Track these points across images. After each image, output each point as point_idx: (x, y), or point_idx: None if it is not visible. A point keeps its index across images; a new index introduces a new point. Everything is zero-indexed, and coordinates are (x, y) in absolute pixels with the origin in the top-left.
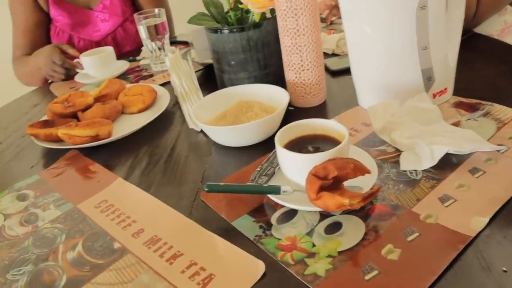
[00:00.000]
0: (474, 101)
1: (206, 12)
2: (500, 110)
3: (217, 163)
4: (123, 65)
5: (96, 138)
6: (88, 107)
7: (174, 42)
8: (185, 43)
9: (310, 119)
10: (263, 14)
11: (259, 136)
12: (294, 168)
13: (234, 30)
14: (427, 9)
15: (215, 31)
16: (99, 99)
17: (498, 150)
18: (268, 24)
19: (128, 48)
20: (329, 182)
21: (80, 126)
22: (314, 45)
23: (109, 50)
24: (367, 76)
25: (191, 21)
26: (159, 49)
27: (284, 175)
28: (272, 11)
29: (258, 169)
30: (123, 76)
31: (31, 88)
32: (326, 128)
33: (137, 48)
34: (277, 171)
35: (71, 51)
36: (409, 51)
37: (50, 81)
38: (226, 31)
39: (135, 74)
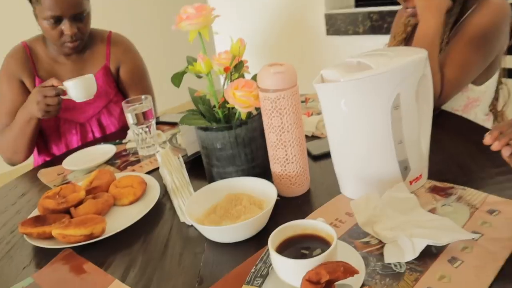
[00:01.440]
0: (447, 185)
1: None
2: (471, 194)
3: (211, 262)
4: (110, 150)
5: (90, 236)
6: (80, 201)
7: (158, 123)
8: (169, 124)
9: (300, 220)
10: (249, 112)
11: (250, 232)
12: (288, 272)
13: (223, 128)
14: (400, 108)
15: (205, 129)
16: (90, 191)
17: (473, 238)
18: (253, 121)
19: (112, 129)
20: (322, 286)
21: (74, 224)
22: (298, 140)
23: (90, 76)
24: (348, 168)
25: (183, 121)
26: (146, 133)
27: (278, 276)
28: (257, 108)
29: (253, 270)
30: (110, 161)
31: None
32: (315, 228)
33: (122, 129)
34: (271, 271)
35: (55, 81)
36: (386, 145)
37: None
38: (215, 129)
39: (123, 160)
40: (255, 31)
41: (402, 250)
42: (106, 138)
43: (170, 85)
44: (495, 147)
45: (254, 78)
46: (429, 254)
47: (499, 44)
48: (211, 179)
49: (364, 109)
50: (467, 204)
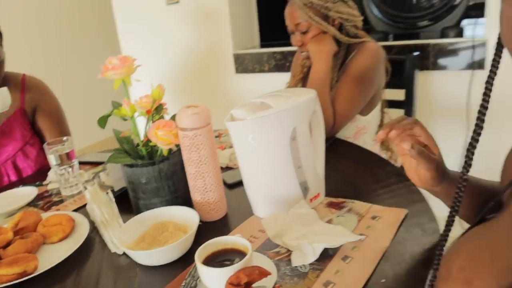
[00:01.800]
0: (340, 200)
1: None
2: (359, 205)
3: (144, 284)
4: (32, 192)
5: (23, 274)
6: (8, 243)
7: (81, 163)
8: (91, 163)
9: (221, 237)
10: (170, 149)
11: (178, 254)
12: (213, 280)
13: (147, 164)
14: (297, 139)
15: (131, 166)
16: (17, 232)
17: (360, 239)
18: (174, 157)
19: (29, 172)
20: (242, 287)
21: (6, 264)
22: (214, 171)
23: (4, 88)
24: (258, 192)
25: (110, 160)
26: (69, 173)
27: (206, 286)
28: (177, 145)
29: (183, 284)
30: (32, 202)
31: None
32: (234, 242)
33: (39, 171)
34: (198, 283)
35: None
36: (288, 170)
37: None
38: (140, 166)
39: (45, 200)
40: (170, 73)
41: (305, 255)
42: (23, 181)
43: (83, 125)
44: (380, 136)
45: (173, 118)
46: (327, 255)
47: (377, 80)
48: (138, 211)
49: (268, 142)
50: (355, 214)
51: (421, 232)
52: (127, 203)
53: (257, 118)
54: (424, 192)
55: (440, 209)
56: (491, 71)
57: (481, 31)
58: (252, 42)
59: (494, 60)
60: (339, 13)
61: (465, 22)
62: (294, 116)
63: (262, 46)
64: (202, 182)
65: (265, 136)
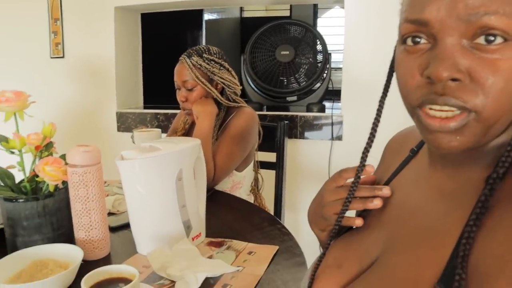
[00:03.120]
0: (220, 239)
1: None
2: (237, 243)
3: None
4: None
5: None
6: None
7: None
8: None
9: (108, 266)
10: (56, 185)
11: None
12: None
13: (31, 199)
14: (182, 180)
15: (11, 200)
16: None
17: (237, 270)
18: (60, 193)
19: None
20: None
21: None
22: (100, 208)
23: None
24: (144, 229)
25: None
26: None
27: None
28: (63, 182)
29: None
30: None
31: None
32: (119, 271)
33: None
34: None
35: None
36: (173, 208)
37: None
38: (23, 201)
39: None
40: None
41: (189, 284)
42: None
43: None
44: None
45: (63, 157)
46: (208, 284)
47: (252, 140)
48: (14, 249)
49: (155, 181)
50: (234, 250)
51: (290, 264)
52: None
53: (147, 158)
54: (293, 233)
55: (308, 245)
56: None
57: (338, 111)
58: (136, 103)
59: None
60: (222, 79)
61: (326, 104)
62: (180, 159)
63: (146, 107)
64: (88, 219)
65: (153, 175)
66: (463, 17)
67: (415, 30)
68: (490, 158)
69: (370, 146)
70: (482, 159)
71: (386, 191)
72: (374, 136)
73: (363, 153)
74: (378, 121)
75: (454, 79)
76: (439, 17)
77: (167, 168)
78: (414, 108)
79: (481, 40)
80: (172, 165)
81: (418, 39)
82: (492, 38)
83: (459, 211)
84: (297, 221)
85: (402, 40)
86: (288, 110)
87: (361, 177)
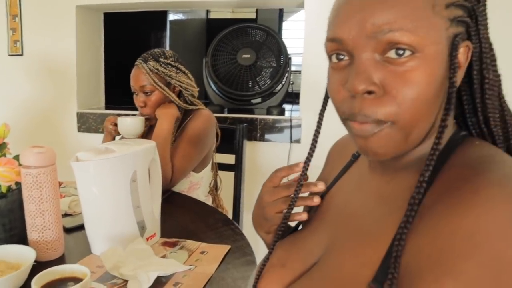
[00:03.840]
0: (174, 240)
1: None
2: (190, 243)
3: None
4: None
5: None
6: None
7: None
8: None
9: (59, 265)
10: (9, 186)
11: None
12: None
13: None
14: (137, 181)
15: None
16: None
17: (189, 269)
18: (13, 195)
19: None
20: None
21: None
22: (54, 209)
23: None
24: (98, 229)
25: None
26: None
27: None
28: (17, 183)
29: None
30: None
31: None
32: (71, 270)
33: None
34: None
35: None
36: (127, 209)
37: None
38: None
39: None
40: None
41: (141, 282)
42: None
43: None
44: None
45: (16, 158)
46: (160, 282)
47: (209, 142)
48: None
49: (110, 182)
50: (187, 250)
51: (241, 263)
52: None
53: (102, 159)
54: (252, 233)
55: (257, 245)
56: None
57: (298, 114)
58: (98, 103)
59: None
60: (180, 82)
61: (286, 107)
62: (135, 160)
63: (107, 108)
64: (42, 220)
65: (108, 176)
66: (371, 35)
67: (336, 48)
68: (421, 165)
69: (311, 156)
70: (415, 165)
71: (320, 186)
72: (315, 147)
73: (305, 162)
74: (318, 132)
75: (369, 92)
76: (351, 36)
77: (121, 170)
78: (343, 120)
79: (392, 54)
80: (126, 167)
81: (341, 56)
82: (401, 51)
83: (395, 214)
84: None
85: (329, 57)
86: (249, 113)
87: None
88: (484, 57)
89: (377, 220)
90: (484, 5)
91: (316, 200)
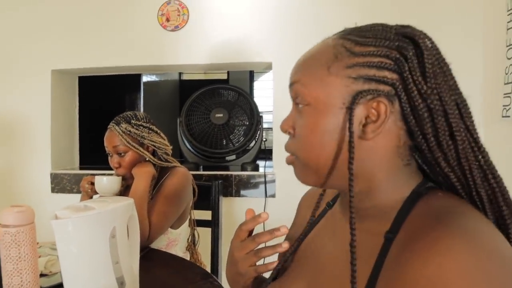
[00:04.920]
0: None
1: None
2: None
3: None
4: None
5: None
6: None
7: None
8: None
9: None
10: None
11: None
12: None
13: None
14: (116, 237)
15: None
16: None
17: None
18: None
19: None
20: None
21: None
22: (33, 268)
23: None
24: (77, 286)
25: None
26: None
27: None
28: None
29: None
30: None
31: None
32: None
33: None
34: None
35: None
36: (106, 265)
37: None
38: None
39: None
40: None
41: None
42: None
43: None
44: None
45: None
46: None
47: (186, 198)
48: None
49: (90, 238)
50: None
51: None
52: None
53: (81, 217)
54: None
55: None
56: None
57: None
58: (72, 163)
59: None
60: (152, 142)
61: (260, 163)
62: (114, 217)
63: (81, 168)
64: (19, 279)
65: (87, 233)
66: (290, 86)
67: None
68: (387, 215)
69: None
70: (380, 215)
71: (283, 229)
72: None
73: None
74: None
75: (287, 132)
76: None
77: (100, 226)
78: None
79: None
80: (105, 223)
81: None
82: (298, 100)
83: (364, 262)
84: None
85: None
86: (224, 170)
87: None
88: (418, 109)
89: (349, 267)
90: (416, 60)
91: (285, 246)
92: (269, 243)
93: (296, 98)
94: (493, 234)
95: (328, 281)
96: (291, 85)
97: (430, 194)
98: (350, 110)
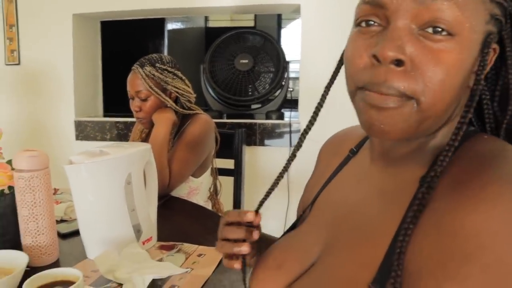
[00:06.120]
0: (171, 243)
1: None
2: (187, 247)
3: None
4: None
5: None
6: None
7: None
8: None
9: (50, 269)
10: (2, 190)
11: None
12: None
13: None
14: (132, 184)
15: None
16: None
17: (186, 272)
18: (6, 199)
19: None
20: None
21: None
22: (48, 214)
23: None
24: (92, 233)
25: None
26: None
27: None
28: (10, 187)
29: None
30: None
31: None
32: (64, 274)
33: None
34: None
35: None
36: (122, 212)
37: None
38: None
39: None
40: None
41: (135, 285)
42: None
43: None
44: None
45: (9, 163)
46: (156, 285)
47: (208, 146)
48: None
49: (104, 184)
50: (184, 253)
51: None
52: None
53: (95, 162)
54: None
55: None
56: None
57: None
58: (96, 111)
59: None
60: (176, 88)
61: (285, 113)
62: (129, 163)
63: (105, 115)
64: (35, 225)
65: (102, 179)
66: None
67: (370, 13)
68: (428, 159)
69: (310, 129)
70: (420, 159)
71: (249, 216)
72: (315, 120)
73: (302, 134)
74: (321, 106)
75: (397, 62)
76: None
77: (115, 172)
78: (356, 90)
79: (429, 29)
80: (120, 169)
81: (371, 22)
82: (439, 29)
83: (397, 210)
84: None
85: (357, 23)
86: (249, 118)
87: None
88: None
89: (378, 216)
90: None
91: (245, 249)
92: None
93: (434, 20)
94: None
95: (351, 232)
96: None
97: (475, 137)
98: (482, 53)
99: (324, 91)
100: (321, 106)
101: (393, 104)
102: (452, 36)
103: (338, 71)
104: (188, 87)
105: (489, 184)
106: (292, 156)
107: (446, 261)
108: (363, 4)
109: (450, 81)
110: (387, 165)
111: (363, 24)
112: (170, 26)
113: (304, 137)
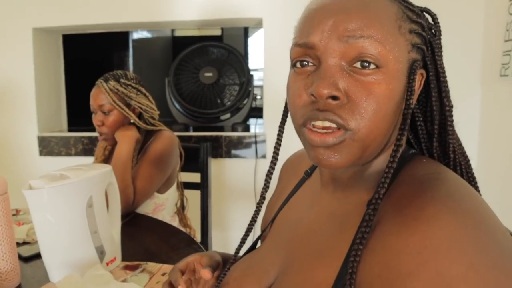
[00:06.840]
0: (135, 263)
1: None
2: (152, 266)
3: None
4: None
5: None
6: None
7: None
8: None
9: None
10: None
11: None
12: None
13: None
14: (93, 206)
15: None
16: None
17: None
18: None
19: None
20: None
21: None
22: (8, 240)
23: None
24: (54, 257)
25: None
26: None
27: None
28: None
29: None
30: None
31: None
32: None
33: None
34: None
35: None
36: (84, 235)
37: None
38: None
39: None
40: None
41: None
42: None
43: None
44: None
45: None
46: None
47: (172, 162)
48: None
49: (65, 208)
50: (148, 272)
51: None
52: None
53: (55, 187)
54: (222, 250)
55: None
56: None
57: (262, 129)
58: (59, 125)
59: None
60: (140, 104)
61: (251, 121)
62: (90, 186)
63: (70, 130)
64: None
65: (62, 203)
66: (342, 39)
67: (303, 54)
68: (372, 183)
69: (273, 169)
70: (365, 183)
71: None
72: (276, 160)
73: (267, 175)
74: (279, 145)
75: (333, 98)
76: (323, 39)
77: (76, 196)
78: (300, 126)
79: (357, 65)
80: (81, 193)
81: (305, 62)
82: (366, 64)
83: (346, 232)
84: (224, 239)
85: (293, 64)
86: (215, 130)
87: None
88: (443, 85)
89: (329, 238)
90: (439, 38)
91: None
92: None
93: (360, 56)
94: (479, 201)
95: (305, 253)
96: (352, 37)
97: (414, 160)
98: (409, 79)
99: (279, 130)
100: (279, 145)
101: (334, 140)
102: (379, 68)
103: (287, 110)
104: (152, 103)
105: (426, 206)
106: (269, 174)
107: (393, 279)
108: (296, 47)
109: (383, 109)
110: (335, 190)
111: (298, 65)
112: (135, 35)
113: (271, 174)
